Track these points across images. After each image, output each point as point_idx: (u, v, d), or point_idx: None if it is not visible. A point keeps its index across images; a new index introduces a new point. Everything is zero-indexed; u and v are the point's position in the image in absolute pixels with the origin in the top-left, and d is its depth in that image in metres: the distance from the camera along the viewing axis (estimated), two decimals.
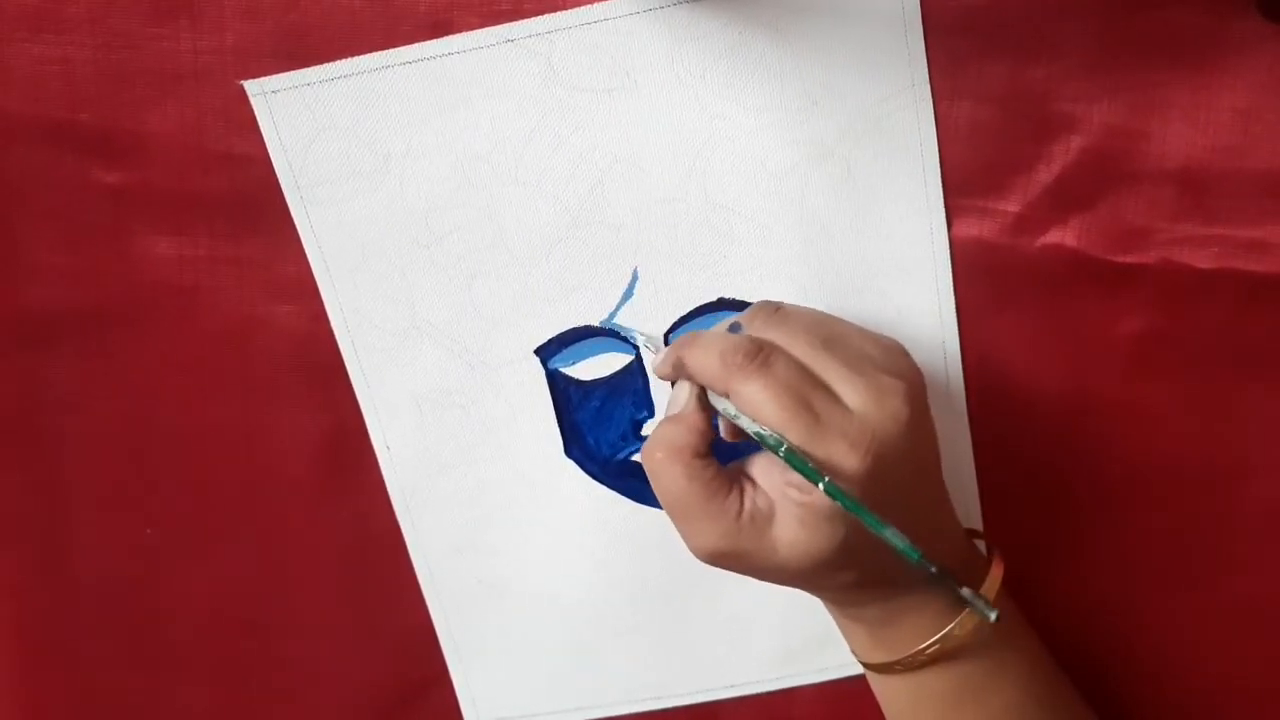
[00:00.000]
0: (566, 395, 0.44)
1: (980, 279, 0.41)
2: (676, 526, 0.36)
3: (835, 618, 0.39)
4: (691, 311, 0.42)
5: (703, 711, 0.48)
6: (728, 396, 0.35)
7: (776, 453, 0.33)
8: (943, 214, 0.40)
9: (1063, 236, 0.40)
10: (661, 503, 0.36)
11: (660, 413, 0.44)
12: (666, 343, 0.43)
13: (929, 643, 0.36)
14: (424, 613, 0.47)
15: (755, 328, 0.36)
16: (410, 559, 0.46)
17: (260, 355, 0.44)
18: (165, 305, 0.43)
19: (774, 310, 0.37)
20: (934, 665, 0.37)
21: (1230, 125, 0.38)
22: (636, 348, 0.43)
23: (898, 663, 0.37)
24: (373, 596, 0.47)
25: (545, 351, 0.43)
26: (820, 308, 0.41)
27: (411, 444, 0.45)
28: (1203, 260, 0.40)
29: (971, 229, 0.41)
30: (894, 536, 0.32)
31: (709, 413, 0.36)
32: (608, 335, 0.43)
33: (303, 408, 0.44)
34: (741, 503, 0.34)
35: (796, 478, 0.33)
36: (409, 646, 0.48)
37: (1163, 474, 0.43)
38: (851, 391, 0.34)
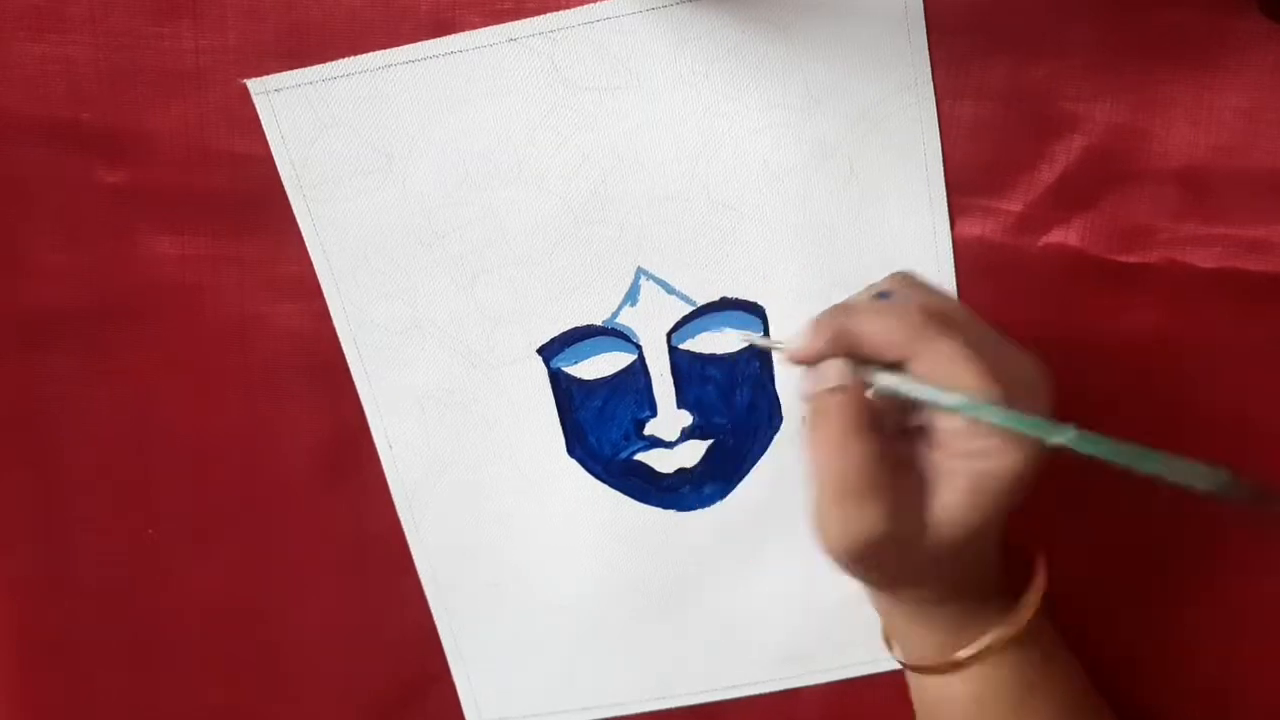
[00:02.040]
0: (569, 394, 0.44)
1: (982, 278, 0.41)
2: (826, 512, 0.33)
3: (900, 623, 0.39)
4: (694, 311, 0.42)
5: (705, 712, 0.48)
6: (901, 366, 0.33)
7: (978, 415, 0.31)
8: (945, 213, 0.40)
9: (1065, 236, 0.40)
10: (822, 482, 0.33)
11: (662, 412, 0.44)
12: (669, 343, 0.43)
13: (985, 640, 0.36)
14: (425, 612, 0.47)
15: (914, 296, 0.35)
16: (412, 558, 0.46)
17: (262, 354, 0.44)
18: (167, 304, 0.43)
19: (915, 281, 0.36)
20: (991, 663, 0.37)
21: (1233, 124, 0.38)
22: (639, 347, 0.43)
23: (951, 664, 0.37)
24: (374, 596, 0.47)
25: (548, 351, 0.43)
26: (823, 306, 0.41)
27: (414, 443, 0.45)
28: (1206, 260, 0.40)
29: (974, 228, 0.41)
30: (1181, 467, 0.30)
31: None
32: (610, 334, 0.43)
33: (305, 407, 0.44)
34: (909, 479, 0.33)
35: (977, 444, 0.32)
36: (410, 646, 0.48)
37: None
38: (1023, 364, 0.33)
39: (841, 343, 0.34)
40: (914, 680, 0.40)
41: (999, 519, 0.34)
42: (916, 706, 0.40)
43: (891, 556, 0.33)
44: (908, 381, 0.33)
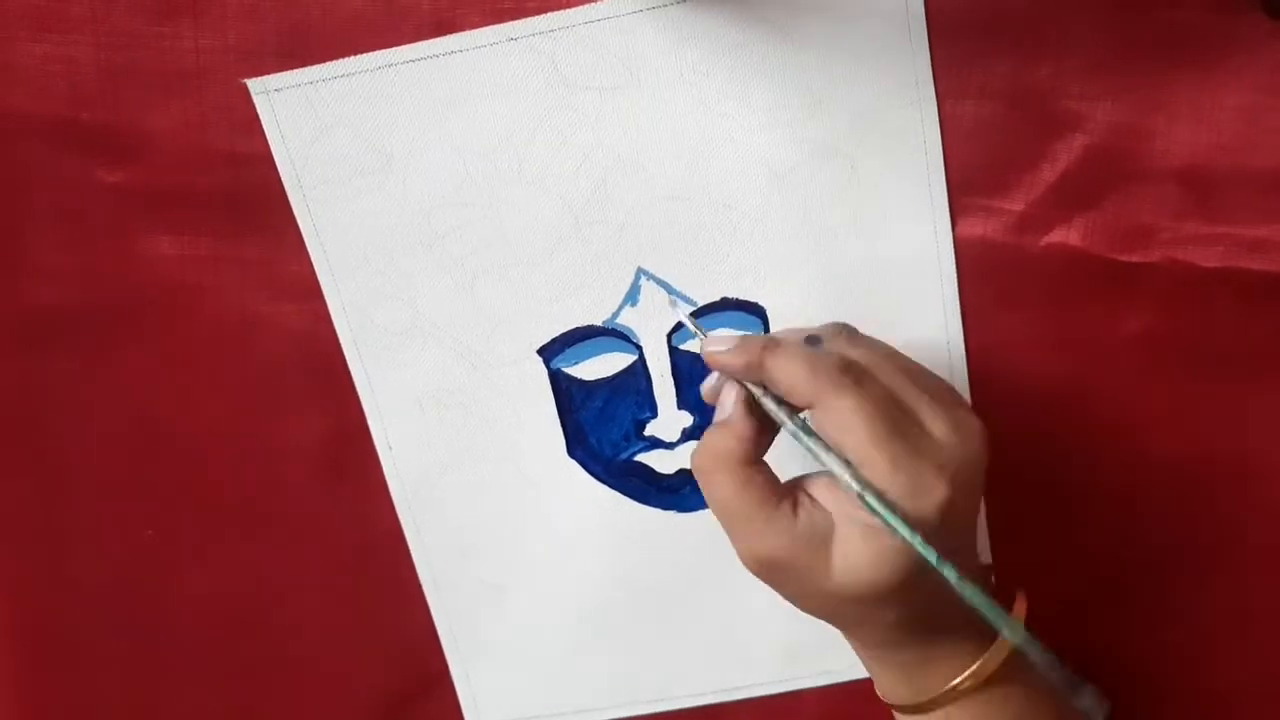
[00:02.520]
0: (569, 395, 0.44)
1: (984, 278, 0.41)
2: (727, 534, 0.35)
3: (865, 660, 0.38)
4: (695, 311, 0.42)
5: (706, 714, 0.48)
6: (807, 410, 0.33)
7: (852, 489, 0.32)
8: (947, 213, 0.40)
9: (1067, 235, 0.40)
10: (712, 511, 0.35)
11: (663, 413, 0.44)
12: (669, 344, 0.43)
13: (963, 677, 0.35)
14: (425, 613, 0.47)
15: (837, 346, 0.35)
16: (412, 559, 0.46)
17: (262, 355, 0.44)
18: (167, 304, 0.43)
19: (851, 333, 0.36)
20: (968, 700, 0.36)
21: (1235, 124, 0.38)
22: (639, 348, 0.43)
23: (930, 702, 0.36)
24: (374, 597, 0.47)
25: (548, 351, 0.43)
26: (824, 307, 0.42)
27: (414, 444, 0.44)
28: (1207, 259, 0.39)
29: (976, 228, 0.40)
30: (970, 592, 0.31)
31: (756, 419, 0.35)
32: (611, 335, 0.43)
33: (305, 407, 0.44)
34: (796, 513, 0.33)
35: (863, 511, 0.32)
36: (410, 647, 0.48)
37: (1167, 473, 0.43)
38: (938, 423, 0.33)
39: (754, 373, 0.35)
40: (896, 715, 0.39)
41: (912, 580, 0.33)
42: None
43: (799, 583, 0.34)
44: (800, 432, 0.34)
